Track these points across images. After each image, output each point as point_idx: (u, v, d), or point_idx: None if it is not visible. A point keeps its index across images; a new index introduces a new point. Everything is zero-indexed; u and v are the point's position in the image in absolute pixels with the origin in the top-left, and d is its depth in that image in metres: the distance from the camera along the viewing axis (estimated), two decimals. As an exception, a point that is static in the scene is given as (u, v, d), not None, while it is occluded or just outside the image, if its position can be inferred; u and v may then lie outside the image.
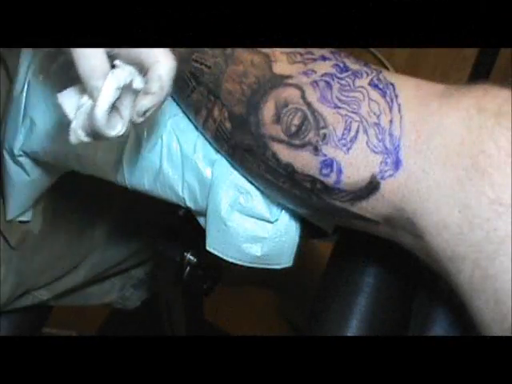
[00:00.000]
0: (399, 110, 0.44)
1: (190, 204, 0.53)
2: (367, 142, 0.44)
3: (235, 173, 0.51)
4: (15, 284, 0.69)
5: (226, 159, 0.51)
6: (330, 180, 0.46)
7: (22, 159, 0.59)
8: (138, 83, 0.44)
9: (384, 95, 0.45)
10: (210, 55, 0.48)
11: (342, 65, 0.47)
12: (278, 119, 0.46)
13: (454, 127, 0.42)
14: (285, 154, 0.47)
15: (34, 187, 0.63)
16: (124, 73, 0.43)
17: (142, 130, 0.53)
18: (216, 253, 0.53)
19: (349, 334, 0.53)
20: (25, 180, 0.61)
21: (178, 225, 0.62)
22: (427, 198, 0.42)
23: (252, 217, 0.51)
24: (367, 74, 0.46)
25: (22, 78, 0.57)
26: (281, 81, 0.46)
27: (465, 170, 0.41)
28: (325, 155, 0.45)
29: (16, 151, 0.58)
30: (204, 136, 0.52)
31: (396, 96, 0.45)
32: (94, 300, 0.82)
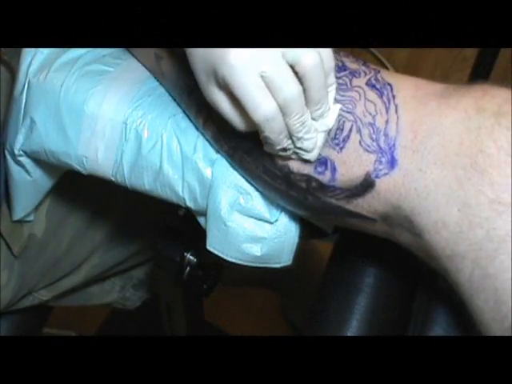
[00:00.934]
0: (396, 111, 0.45)
1: (190, 204, 0.53)
2: (360, 142, 0.45)
3: (235, 173, 0.51)
4: (17, 287, 0.69)
5: (226, 159, 0.51)
6: (325, 178, 0.46)
7: (23, 159, 0.59)
8: None
9: (381, 95, 0.45)
10: None
11: (340, 64, 0.47)
12: None
13: (453, 127, 0.43)
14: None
15: (36, 187, 0.63)
16: None
17: (142, 130, 0.53)
18: (216, 252, 0.53)
19: (349, 334, 0.53)
20: (27, 180, 0.61)
21: (178, 225, 0.62)
22: (425, 197, 0.43)
23: (252, 217, 0.51)
24: (365, 74, 0.47)
25: (22, 78, 0.57)
26: None
27: (464, 170, 0.41)
28: (319, 154, 0.46)
29: (16, 151, 0.58)
30: (204, 136, 0.52)
31: (393, 97, 0.45)
32: (94, 300, 0.82)
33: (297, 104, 0.42)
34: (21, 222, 0.66)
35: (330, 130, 0.45)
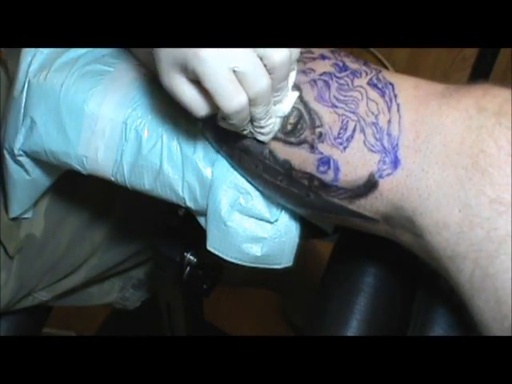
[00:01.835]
0: (398, 110, 0.45)
1: (190, 204, 0.53)
2: (364, 141, 0.45)
3: (235, 173, 0.51)
4: (16, 288, 0.69)
5: (226, 159, 0.51)
6: (328, 177, 0.46)
7: (22, 159, 0.59)
8: None
9: (383, 95, 0.45)
10: None
11: (341, 64, 0.47)
12: None
13: (454, 127, 0.43)
14: (282, 151, 0.47)
15: (34, 186, 0.63)
16: None
17: (142, 130, 0.53)
18: (216, 252, 0.53)
19: (349, 334, 0.53)
20: (25, 179, 0.61)
21: (178, 225, 0.62)
22: (427, 197, 0.43)
23: (252, 217, 0.51)
24: (366, 74, 0.47)
25: (22, 78, 0.57)
26: None
27: (465, 170, 0.41)
28: (321, 153, 0.46)
29: (16, 151, 0.58)
30: (204, 136, 0.52)
31: (395, 96, 0.45)
32: (94, 300, 0.82)
33: (266, 96, 0.43)
34: (18, 221, 0.66)
35: (286, 116, 0.46)
